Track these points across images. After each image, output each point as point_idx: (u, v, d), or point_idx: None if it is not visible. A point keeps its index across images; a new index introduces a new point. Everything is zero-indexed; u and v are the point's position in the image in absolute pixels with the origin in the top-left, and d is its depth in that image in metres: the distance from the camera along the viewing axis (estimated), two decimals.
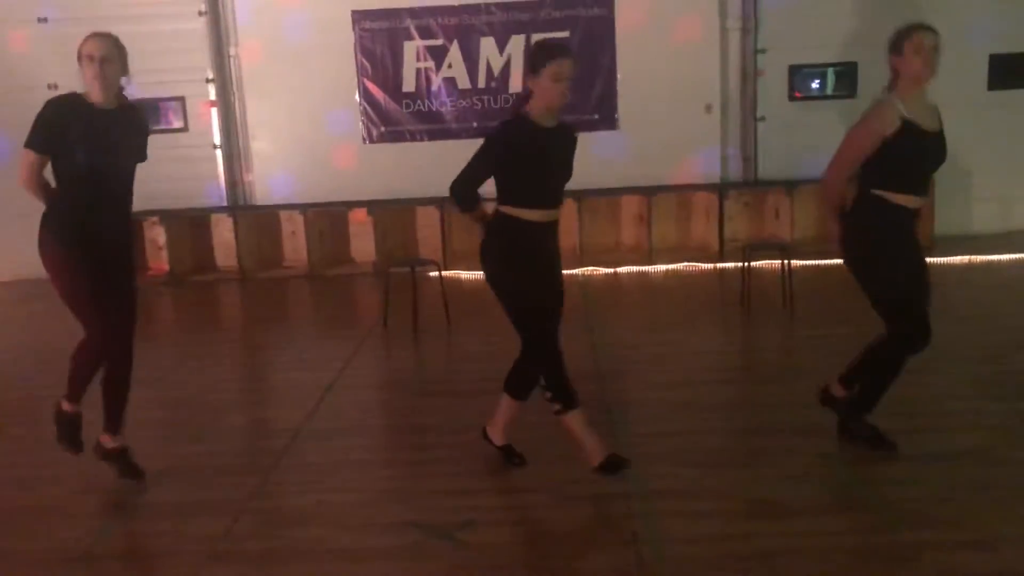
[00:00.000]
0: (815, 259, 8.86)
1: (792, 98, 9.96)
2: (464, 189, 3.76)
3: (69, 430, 4.01)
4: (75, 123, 3.67)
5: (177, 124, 10.06)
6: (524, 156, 3.68)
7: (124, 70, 3.82)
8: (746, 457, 4.17)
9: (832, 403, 4.17)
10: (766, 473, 3.91)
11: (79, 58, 3.70)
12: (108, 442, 4.05)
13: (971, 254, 8.62)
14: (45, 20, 9.65)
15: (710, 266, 9.13)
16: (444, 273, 7.52)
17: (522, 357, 3.92)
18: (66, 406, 3.99)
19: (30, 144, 3.68)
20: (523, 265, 3.78)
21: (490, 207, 3.87)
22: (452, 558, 3.30)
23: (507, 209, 3.76)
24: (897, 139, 3.64)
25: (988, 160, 9.59)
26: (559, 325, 3.93)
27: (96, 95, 3.73)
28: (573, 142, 3.92)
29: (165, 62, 9.50)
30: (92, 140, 3.68)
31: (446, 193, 9.66)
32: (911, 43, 3.66)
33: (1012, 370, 5.15)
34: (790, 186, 9.61)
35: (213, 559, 3.37)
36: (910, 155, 3.69)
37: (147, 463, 4.28)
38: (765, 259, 7.85)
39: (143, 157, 3.99)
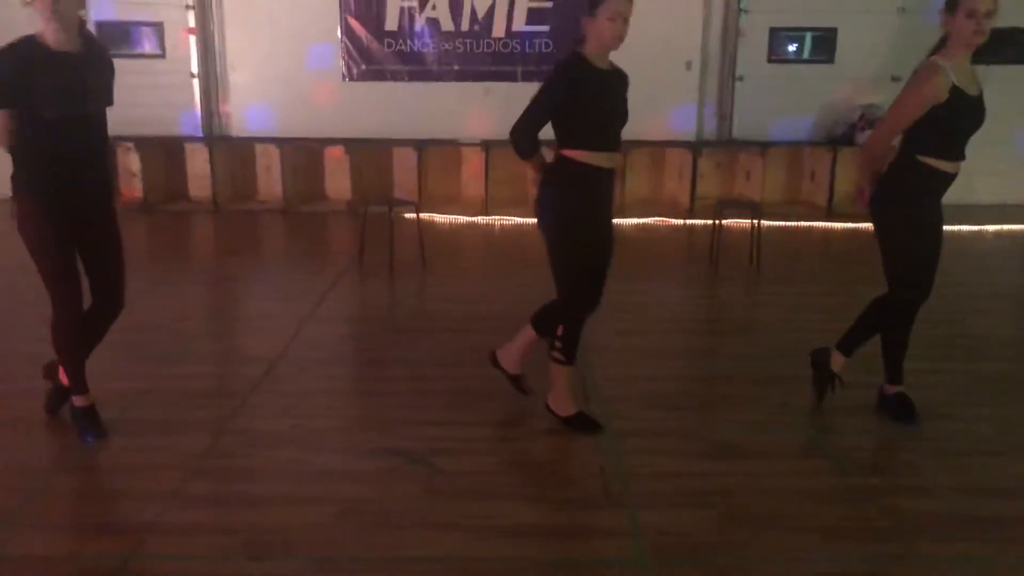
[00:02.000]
0: (783, 220, 9.09)
1: (771, 60, 10.06)
2: (524, 134, 3.62)
3: (89, 423, 3.77)
4: (38, 75, 3.33)
5: (154, 50, 9.92)
6: (585, 95, 3.56)
7: (81, 3, 3.47)
8: (709, 403, 4.35)
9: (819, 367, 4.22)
10: (728, 418, 4.10)
11: None
12: (63, 374, 3.90)
13: None
14: None
15: (680, 222, 9.29)
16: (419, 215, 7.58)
17: (557, 302, 3.87)
18: (77, 401, 3.79)
19: None
20: (581, 216, 3.67)
21: (548, 153, 3.74)
22: (427, 482, 3.45)
23: (570, 153, 3.63)
24: (946, 107, 3.62)
25: None
26: (603, 286, 3.87)
27: (53, 37, 3.37)
28: (626, 85, 3.80)
29: None
30: (60, 92, 3.38)
31: (425, 135, 9.71)
32: (965, 5, 3.57)
33: (965, 333, 5.40)
34: (763, 147, 9.76)
35: (197, 474, 3.48)
36: (957, 122, 3.67)
37: (125, 384, 4.39)
38: (735, 218, 8.02)
39: (111, 101, 3.67)
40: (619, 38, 3.56)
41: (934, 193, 3.83)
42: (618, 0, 3.50)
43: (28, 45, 3.38)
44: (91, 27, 9.57)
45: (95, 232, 3.70)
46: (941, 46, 3.72)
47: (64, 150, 3.48)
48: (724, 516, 3.21)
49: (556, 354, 3.90)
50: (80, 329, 3.73)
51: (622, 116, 3.74)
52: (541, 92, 3.62)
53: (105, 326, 3.90)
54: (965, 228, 8.77)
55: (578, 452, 3.77)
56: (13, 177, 3.53)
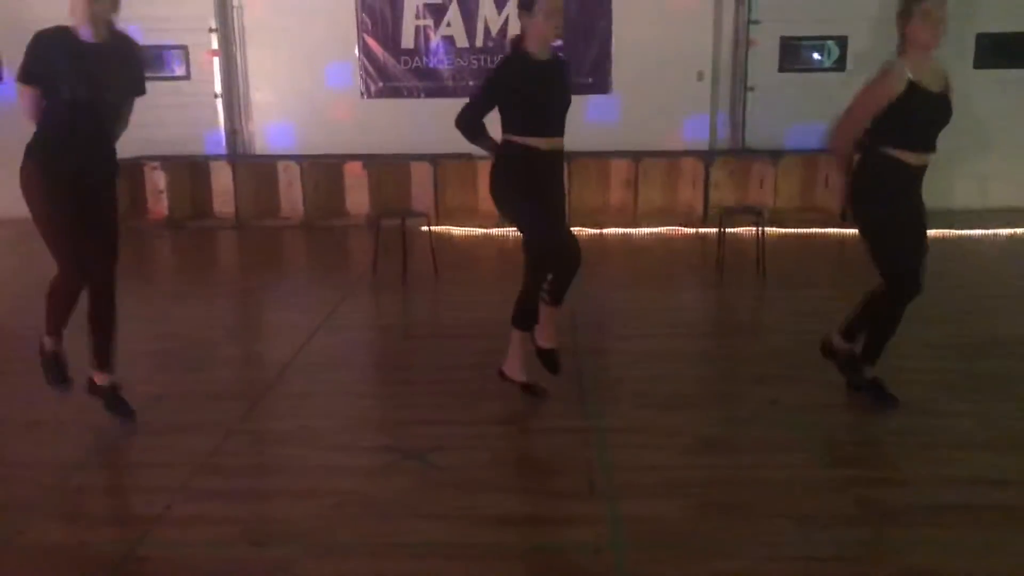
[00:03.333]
0: (796, 227, 9.18)
1: (782, 69, 10.17)
2: (467, 121, 4.04)
3: (54, 369, 4.04)
4: (61, 58, 3.68)
5: (179, 72, 10.28)
6: (523, 89, 3.94)
7: (115, 7, 3.77)
8: (699, 401, 4.47)
9: (833, 355, 4.40)
10: (716, 415, 4.23)
11: None
12: (98, 379, 4.15)
13: (947, 228, 8.81)
14: None
15: (693, 231, 9.40)
16: (435, 228, 7.80)
17: (524, 288, 4.22)
18: (47, 343, 4.02)
19: (20, 78, 3.73)
20: (526, 183, 4.05)
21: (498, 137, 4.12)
22: (422, 476, 3.62)
23: (512, 137, 4.03)
24: (903, 100, 3.83)
25: (971, 139, 9.75)
26: (567, 229, 4.20)
27: (84, 30, 3.71)
28: (566, 69, 4.19)
29: (169, 10, 9.77)
30: (76, 75, 3.68)
31: (441, 150, 10.02)
32: (919, 10, 3.80)
33: (962, 333, 5.46)
34: (776, 155, 9.87)
35: (203, 470, 3.69)
36: (915, 114, 3.87)
37: (143, 388, 4.60)
38: (743, 225, 8.13)
39: (140, 90, 4.00)
40: (556, 32, 3.97)
41: (902, 185, 4.00)
42: None
43: (58, 32, 3.72)
44: None
45: (93, 211, 3.91)
46: (901, 50, 3.92)
47: (76, 130, 3.77)
48: (701, 505, 3.35)
49: (546, 297, 4.22)
50: (76, 294, 3.92)
51: (563, 103, 4.10)
52: (482, 86, 4.05)
53: (104, 312, 4.05)
54: (978, 232, 8.80)
55: (566, 448, 3.92)
56: (27, 146, 3.79)
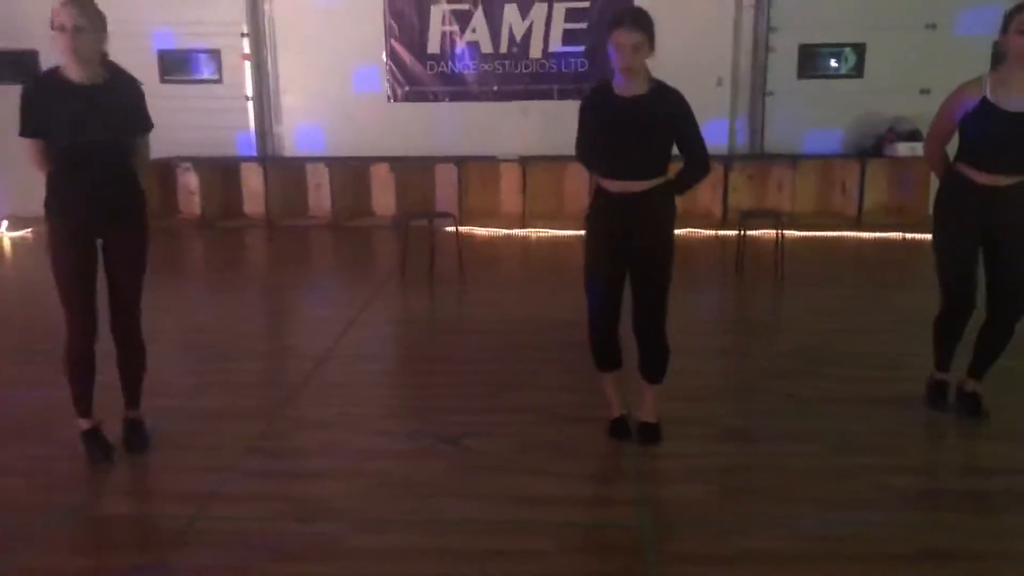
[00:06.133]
0: (813, 230, 9.34)
1: (800, 76, 10.33)
2: (578, 152, 3.89)
3: (95, 446, 3.85)
4: (54, 105, 3.49)
5: (212, 75, 10.55)
6: (595, 124, 3.71)
7: (101, 39, 3.54)
8: (722, 394, 4.67)
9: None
10: (737, 407, 4.42)
11: (51, 26, 3.40)
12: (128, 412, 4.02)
13: None
14: None
15: (712, 233, 9.57)
16: (460, 228, 8.00)
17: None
18: (82, 424, 3.87)
19: (23, 132, 3.54)
20: (595, 229, 3.81)
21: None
22: (455, 459, 3.83)
23: (593, 174, 3.92)
24: (975, 116, 3.81)
25: None
26: (618, 297, 3.90)
27: (72, 70, 3.50)
28: (663, 110, 3.67)
29: (203, 15, 10.04)
30: (71, 123, 3.49)
31: (465, 152, 10.23)
32: (1015, 22, 3.70)
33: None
34: (794, 159, 10.02)
35: (250, 451, 3.91)
36: (982, 132, 3.83)
37: (186, 379, 4.86)
38: (762, 228, 8.30)
39: (145, 126, 3.78)
40: (624, 68, 3.59)
41: (966, 200, 3.95)
42: (619, 32, 3.58)
43: (49, 78, 3.57)
44: (153, 56, 10.24)
45: (113, 257, 3.75)
46: (997, 63, 3.92)
47: (84, 176, 3.58)
48: (724, 490, 3.54)
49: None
50: (85, 359, 3.76)
51: (642, 146, 3.66)
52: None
53: (130, 367, 3.94)
54: None
55: (593, 436, 4.10)
56: (45, 201, 3.66)
